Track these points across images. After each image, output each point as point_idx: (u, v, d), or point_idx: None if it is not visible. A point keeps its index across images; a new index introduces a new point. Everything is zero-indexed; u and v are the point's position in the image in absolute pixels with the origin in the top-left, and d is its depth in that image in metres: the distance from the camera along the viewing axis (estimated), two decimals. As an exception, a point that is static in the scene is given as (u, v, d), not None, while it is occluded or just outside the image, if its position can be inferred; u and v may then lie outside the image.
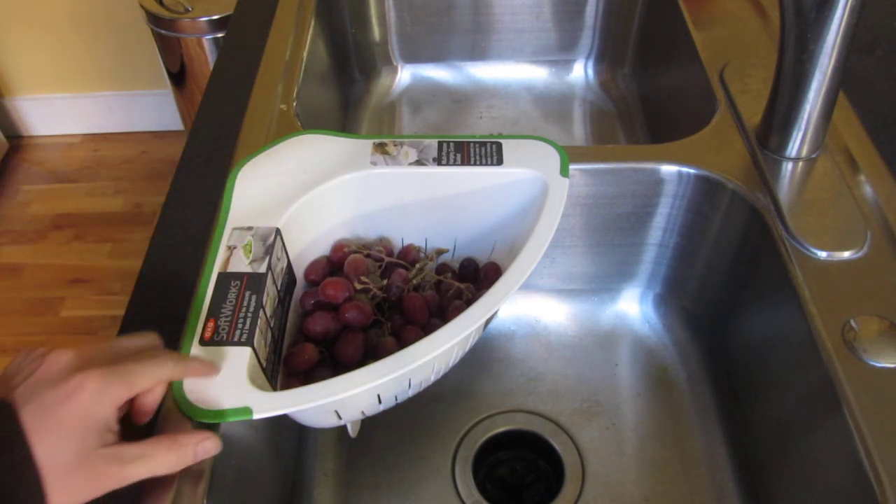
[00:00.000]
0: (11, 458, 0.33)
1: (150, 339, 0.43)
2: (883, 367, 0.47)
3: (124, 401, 0.38)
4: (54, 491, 0.34)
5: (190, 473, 0.43)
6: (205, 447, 0.40)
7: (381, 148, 0.57)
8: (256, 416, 0.41)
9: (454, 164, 0.56)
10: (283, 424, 0.57)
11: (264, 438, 0.54)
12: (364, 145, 0.57)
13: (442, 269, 0.60)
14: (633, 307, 0.73)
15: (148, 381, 0.39)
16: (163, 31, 1.44)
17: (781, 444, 0.55)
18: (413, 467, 0.62)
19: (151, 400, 0.41)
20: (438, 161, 0.56)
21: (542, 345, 0.71)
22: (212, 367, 0.43)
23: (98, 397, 0.36)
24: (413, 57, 1.00)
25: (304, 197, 0.54)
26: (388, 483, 0.61)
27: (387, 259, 0.57)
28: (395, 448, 0.63)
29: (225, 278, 0.48)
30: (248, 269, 0.48)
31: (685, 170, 0.62)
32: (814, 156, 0.61)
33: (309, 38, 0.78)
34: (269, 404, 0.41)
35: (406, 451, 0.63)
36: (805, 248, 0.54)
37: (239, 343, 0.44)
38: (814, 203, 0.57)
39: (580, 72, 1.00)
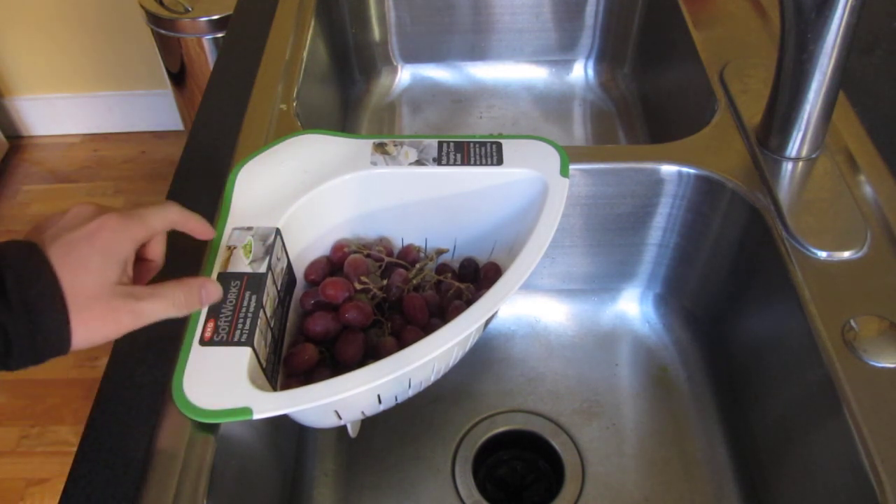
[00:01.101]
0: (40, 285, 0.36)
1: (168, 206, 0.45)
2: (883, 367, 0.47)
3: (140, 240, 0.41)
4: (77, 322, 0.37)
5: (190, 473, 0.43)
6: (208, 290, 0.43)
7: (381, 148, 0.57)
8: (256, 417, 0.41)
9: (454, 164, 0.56)
10: (283, 424, 0.57)
11: (264, 438, 0.54)
12: (364, 145, 0.57)
13: (442, 269, 0.60)
14: (633, 307, 0.73)
15: (160, 222, 0.43)
16: (163, 31, 1.44)
17: (781, 444, 0.55)
18: (413, 467, 0.62)
19: (158, 248, 0.45)
20: (438, 161, 0.56)
21: (542, 345, 0.71)
22: (209, 230, 0.46)
23: (118, 234, 0.39)
24: (413, 57, 1.00)
25: (304, 197, 0.54)
26: (388, 483, 0.61)
27: (387, 259, 0.57)
28: (395, 448, 0.63)
29: (225, 278, 0.48)
30: (248, 270, 0.48)
31: (685, 170, 0.62)
32: (814, 156, 0.61)
33: (309, 38, 0.78)
34: (269, 404, 0.41)
35: (406, 451, 0.63)
36: (805, 248, 0.54)
37: (239, 343, 0.44)
38: (814, 203, 0.57)
39: (580, 72, 1.00)
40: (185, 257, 0.54)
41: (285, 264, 0.53)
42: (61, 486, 0.43)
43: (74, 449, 0.44)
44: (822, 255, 0.54)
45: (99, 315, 0.38)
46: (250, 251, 0.49)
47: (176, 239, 0.56)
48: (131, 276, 0.41)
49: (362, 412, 0.49)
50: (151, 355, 0.49)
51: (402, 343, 0.53)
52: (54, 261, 0.37)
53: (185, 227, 0.45)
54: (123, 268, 0.40)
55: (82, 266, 0.38)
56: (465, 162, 0.56)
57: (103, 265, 0.38)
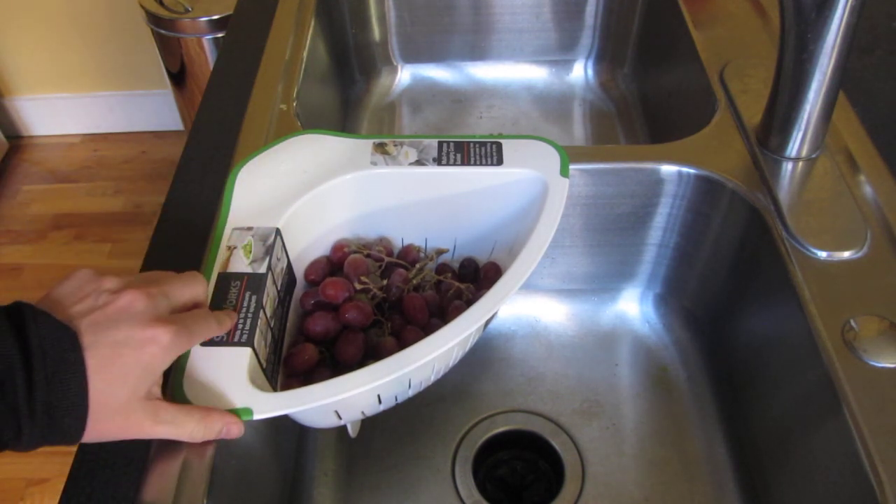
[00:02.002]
0: (70, 396, 0.34)
1: (196, 286, 0.43)
2: (883, 367, 0.47)
3: (181, 353, 0.40)
4: (92, 427, 0.36)
5: (190, 473, 0.43)
6: (230, 430, 0.41)
7: (381, 148, 0.57)
8: (257, 417, 0.41)
9: (454, 164, 0.56)
10: (283, 424, 0.57)
11: (264, 438, 0.54)
12: (364, 145, 0.57)
13: (442, 269, 0.60)
14: (633, 307, 0.73)
15: (202, 339, 0.42)
16: (163, 31, 1.44)
17: (781, 444, 0.55)
18: (413, 467, 0.62)
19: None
20: (438, 161, 0.56)
21: (542, 345, 0.71)
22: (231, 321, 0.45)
23: (166, 352, 0.38)
24: (413, 57, 1.00)
25: (304, 197, 0.54)
26: (388, 483, 0.61)
27: (387, 259, 0.57)
28: (395, 448, 0.63)
29: (225, 279, 0.48)
30: (248, 270, 0.48)
31: (685, 170, 0.62)
32: (814, 156, 0.61)
33: (309, 38, 0.78)
34: (270, 405, 0.41)
35: (406, 451, 0.63)
36: (805, 248, 0.54)
37: (239, 343, 0.44)
38: (814, 203, 0.57)
39: (580, 72, 1.00)
40: (186, 258, 0.54)
41: (285, 264, 0.53)
42: (61, 486, 0.43)
43: (74, 449, 0.44)
44: (822, 255, 0.54)
45: (116, 426, 0.37)
46: (250, 251, 0.49)
47: (176, 238, 0.56)
48: (160, 383, 0.40)
49: (362, 412, 0.49)
50: (151, 355, 0.49)
51: (402, 343, 0.53)
52: (92, 364, 0.35)
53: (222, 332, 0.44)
54: (156, 382, 0.39)
55: (120, 379, 0.36)
56: (465, 162, 0.56)
57: (140, 380, 0.37)
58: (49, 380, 0.34)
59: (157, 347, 0.37)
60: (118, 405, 0.36)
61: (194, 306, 0.43)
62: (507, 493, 0.64)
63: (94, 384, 0.35)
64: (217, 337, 0.45)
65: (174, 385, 0.42)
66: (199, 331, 0.41)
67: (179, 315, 0.40)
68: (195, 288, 0.43)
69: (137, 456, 0.44)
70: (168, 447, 0.44)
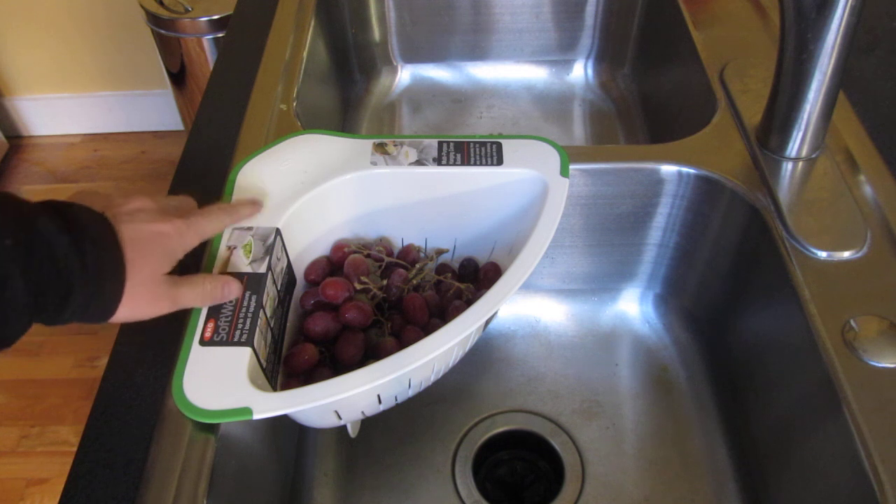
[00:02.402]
0: (112, 258, 0.40)
1: (189, 200, 0.50)
2: (883, 367, 0.47)
3: (193, 247, 0.46)
4: (125, 299, 0.41)
5: (190, 473, 0.43)
6: (230, 287, 0.47)
7: (381, 148, 0.57)
8: (256, 417, 0.41)
9: (454, 164, 0.56)
10: (283, 424, 0.57)
11: (264, 438, 0.54)
12: (364, 145, 0.57)
13: (442, 269, 0.60)
14: (633, 307, 0.73)
15: (211, 232, 0.48)
16: (163, 31, 1.44)
17: (781, 444, 0.55)
18: (413, 467, 0.62)
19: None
20: (438, 161, 0.56)
21: (542, 345, 0.71)
22: (256, 206, 0.52)
23: (179, 242, 0.44)
24: (413, 57, 1.00)
25: (304, 197, 0.54)
26: (388, 483, 0.61)
27: (387, 259, 0.57)
28: (395, 448, 0.63)
29: (225, 278, 0.48)
30: (248, 270, 0.48)
31: (685, 170, 0.62)
32: (814, 156, 0.61)
33: (309, 38, 0.78)
34: (269, 405, 0.41)
35: (406, 451, 0.63)
36: (805, 248, 0.54)
37: (239, 343, 0.44)
38: (814, 203, 0.57)
39: (580, 72, 1.00)
40: (186, 257, 0.54)
41: (285, 264, 0.53)
42: (61, 486, 0.43)
43: (74, 449, 0.44)
44: (822, 255, 0.54)
45: (144, 298, 0.42)
46: (250, 251, 0.49)
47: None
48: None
49: (362, 412, 0.49)
50: (151, 355, 0.49)
51: (402, 343, 0.53)
52: (124, 241, 0.41)
53: (237, 222, 0.51)
54: (173, 266, 0.44)
55: (144, 257, 0.42)
56: (465, 162, 0.56)
57: (160, 262, 0.43)
58: (96, 247, 0.39)
59: (173, 238, 0.44)
60: (144, 278, 0.42)
61: None
62: (507, 493, 0.64)
63: (129, 259, 0.41)
64: (217, 337, 0.45)
65: (174, 385, 0.42)
66: (204, 223, 0.47)
67: (190, 213, 0.47)
68: (219, 218, 0.49)
69: (137, 456, 0.44)
70: (168, 447, 0.44)
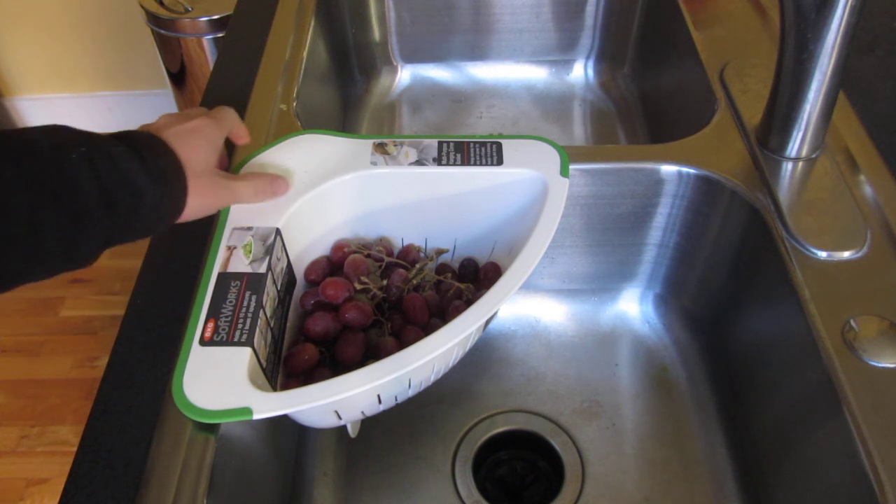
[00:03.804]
0: (168, 158, 0.45)
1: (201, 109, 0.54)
2: (883, 367, 0.47)
3: (226, 134, 0.52)
4: (191, 190, 0.46)
5: (190, 473, 0.43)
6: (277, 184, 0.53)
7: (381, 148, 0.57)
8: (256, 417, 0.41)
9: (454, 164, 0.56)
10: (283, 424, 0.57)
11: (264, 438, 0.54)
12: (364, 145, 0.57)
13: (442, 269, 0.60)
14: (633, 307, 0.73)
15: (231, 121, 0.53)
16: (163, 31, 1.44)
17: (781, 444, 0.55)
18: (413, 467, 0.62)
19: (241, 131, 0.55)
20: (438, 161, 0.56)
21: (542, 345, 0.71)
22: (247, 135, 0.56)
23: (214, 129, 0.49)
24: (413, 57, 1.00)
25: (304, 197, 0.54)
26: (388, 483, 0.61)
27: (387, 259, 0.57)
28: (395, 448, 0.63)
29: (225, 278, 0.48)
30: (248, 270, 0.48)
31: (685, 170, 0.62)
32: (814, 156, 0.61)
33: (309, 38, 0.78)
34: (269, 405, 0.41)
35: (406, 451, 0.63)
36: (805, 248, 0.54)
37: (239, 343, 0.44)
38: (814, 203, 0.57)
39: (580, 72, 1.00)
40: (186, 257, 0.54)
41: (285, 264, 0.53)
42: (61, 486, 0.43)
43: (74, 449, 0.44)
44: (822, 255, 0.54)
45: (207, 187, 0.47)
46: (250, 251, 0.49)
47: (176, 238, 0.56)
48: (224, 166, 0.52)
49: (362, 412, 0.49)
50: (151, 355, 0.49)
51: (402, 343, 0.53)
52: (170, 142, 0.45)
53: (235, 131, 0.54)
54: (219, 155, 0.50)
55: (192, 149, 0.47)
56: (465, 162, 0.56)
57: (207, 150, 0.48)
58: (153, 153, 0.44)
59: (207, 127, 0.49)
60: (201, 169, 0.47)
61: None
62: (507, 493, 0.64)
63: (181, 154, 0.45)
64: (217, 337, 0.45)
65: (174, 385, 0.42)
66: (224, 116, 0.52)
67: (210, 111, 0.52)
68: (231, 112, 0.53)
69: (137, 456, 0.44)
70: (168, 447, 0.44)
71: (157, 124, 0.48)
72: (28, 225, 0.37)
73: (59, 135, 0.40)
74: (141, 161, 0.42)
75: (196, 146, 0.47)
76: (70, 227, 0.39)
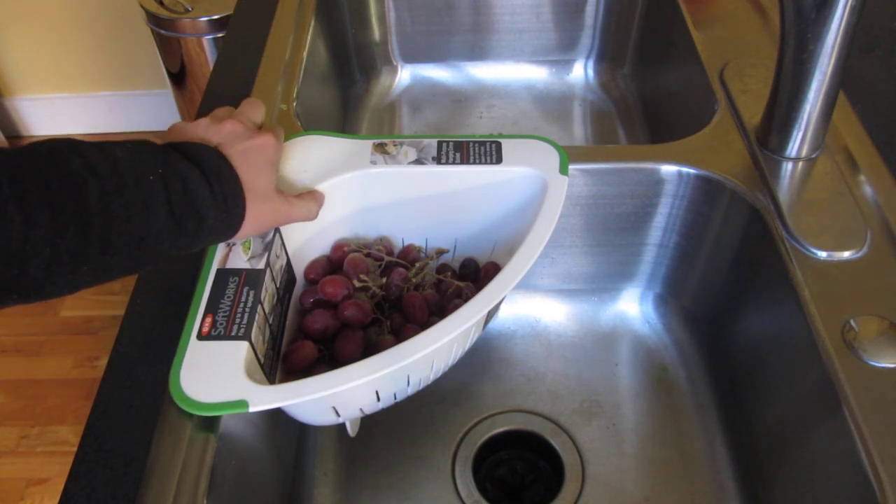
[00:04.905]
0: (232, 185, 0.45)
1: (260, 108, 0.54)
2: (883, 367, 0.47)
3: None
4: (249, 214, 0.46)
5: (190, 473, 0.43)
6: (320, 201, 0.54)
7: (380, 148, 0.57)
8: (252, 409, 0.41)
9: (454, 163, 0.56)
10: (282, 424, 0.57)
11: (264, 438, 0.54)
12: (364, 145, 0.57)
13: (442, 268, 0.60)
14: (633, 307, 0.73)
15: (282, 136, 0.53)
16: (163, 31, 1.44)
17: (781, 444, 0.55)
18: (413, 467, 0.62)
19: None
20: (438, 160, 0.56)
21: (542, 345, 0.71)
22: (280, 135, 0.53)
23: (274, 149, 0.49)
24: (413, 57, 1.00)
25: (303, 196, 0.54)
26: (388, 483, 0.61)
27: (386, 258, 0.57)
28: (395, 448, 0.63)
29: (223, 274, 0.48)
30: (247, 266, 0.48)
31: (685, 170, 0.62)
32: (814, 156, 0.61)
33: (309, 38, 0.78)
34: (265, 397, 0.41)
35: (406, 451, 0.63)
36: (805, 248, 0.54)
37: (236, 337, 0.44)
38: (814, 203, 0.57)
39: (580, 72, 1.00)
40: (186, 257, 0.54)
41: (284, 262, 0.53)
42: (61, 486, 0.43)
43: (74, 449, 0.44)
44: (822, 255, 0.54)
45: (264, 211, 0.48)
46: (249, 248, 0.50)
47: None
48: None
49: (361, 409, 0.49)
50: (151, 355, 0.49)
51: (401, 341, 0.53)
52: (234, 162, 0.46)
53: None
54: (276, 174, 0.50)
55: (256, 172, 0.47)
56: (465, 161, 0.56)
57: (269, 172, 0.48)
58: (219, 181, 0.44)
59: (270, 146, 0.49)
60: (262, 193, 0.47)
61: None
62: (507, 493, 0.63)
63: (243, 177, 0.46)
64: (215, 331, 0.45)
65: (171, 378, 0.42)
66: (278, 131, 0.51)
67: (267, 127, 0.51)
68: (260, 109, 0.53)
69: (137, 456, 0.44)
70: (168, 447, 0.44)
71: (221, 134, 0.47)
72: (100, 244, 0.38)
73: (141, 154, 0.41)
74: (209, 187, 0.43)
75: (259, 168, 0.47)
76: (135, 246, 0.40)
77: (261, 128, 0.52)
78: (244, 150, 0.47)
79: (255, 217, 0.47)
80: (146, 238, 0.40)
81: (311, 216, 0.52)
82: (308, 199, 0.52)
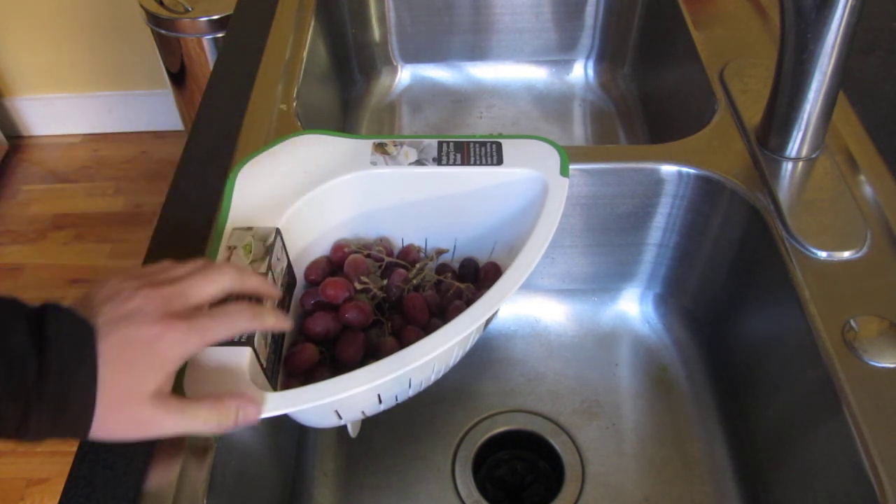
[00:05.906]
0: (77, 377, 0.35)
1: (221, 279, 0.42)
2: (883, 367, 0.47)
3: (194, 353, 0.40)
4: (98, 423, 0.36)
5: (190, 473, 0.43)
6: (246, 413, 0.40)
7: (381, 148, 0.57)
8: (260, 417, 0.41)
9: (454, 163, 0.56)
10: (283, 424, 0.57)
11: (264, 438, 0.54)
12: (364, 145, 0.57)
13: (442, 269, 0.60)
14: (633, 307, 0.73)
15: (223, 337, 0.40)
16: (163, 31, 1.44)
17: (781, 444, 0.55)
18: (413, 467, 0.62)
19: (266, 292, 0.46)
20: (438, 161, 0.56)
21: (542, 345, 0.71)
22: (286, 322, 0.45)
23: (175, 348, 0.38)
24: (413, 57, 1.00)
25: (304, 197, 0.54)
26: (388, 483, 0.61)
27: (387, 259, 0.57)
28: (395, 448, 0.63)
29: (225, 278, 0.48)
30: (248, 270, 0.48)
31: (685, 170, 0.62)
32: (814, 156, 0.61)
33: (309, 38, 0.78)
34: (270, 404, 0.41)
35: (406, 451, 0.63)
36: (805, 248, 0.54)
37: (239, 343, 0.44)
38: (814, 203, 0.57)
39: (580, 72, 1.00)
40: (186, 258, 0.54)
41: (285, 264, 0.53)
42: (61, 486, 0.43)
43: (74, 449, 0.44)
44: (822, 255, 0.54)
45: (122, 422, 0.37)
46: (250, 251, 0.49)
47: (176, 239, 0.56)
48: (171, 382, 0.39)
49: (362, 412, 0.49)
50: (151, 355, 0.49)
51: (402, 343, 0.53)
52: (103, 353, 0.36)
53: (261, 329, 0.45)
54: (166, 379, 0.38)
55: (128, 370, 0.37)
56: (465, 162, 0.56)
57: (148, 374, 0.37)
58: (61, 370, 0.35)
59: (167, 344, 0.37)
60: (126, 398, 0.37)
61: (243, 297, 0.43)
62: (507, 493, 0.64)
63: (102, 375, 0.36)
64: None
65: (175, 385, 0.42)
66: (214, 326, 0.39)
67: (197, 313, 0.39)
68: (219, 282, 0.41)
69: (137, 456, 0.44)
70: (168, 446, 0.44)
71: (121, 310, 0.37)
72: None
73: None
74: (38, 382, 0.34)
75: (134, 367, 0.37)
76: None
77: (254, 298, 0.44)
78: (129, 338, 0.37)
79: (106, 427, 0.37)
80: None
81: (204, 428, 0.39)
82: (209, 406, 0.39)
